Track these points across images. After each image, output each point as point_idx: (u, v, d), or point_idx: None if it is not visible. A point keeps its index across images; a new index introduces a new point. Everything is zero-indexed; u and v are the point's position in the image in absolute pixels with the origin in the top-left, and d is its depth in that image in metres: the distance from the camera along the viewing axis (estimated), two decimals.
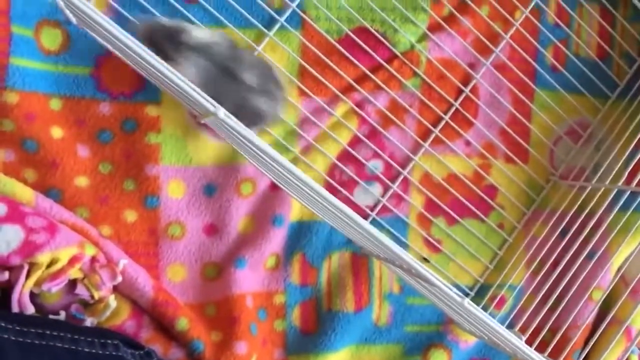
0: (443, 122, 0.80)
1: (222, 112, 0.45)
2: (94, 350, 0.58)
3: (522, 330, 0.79)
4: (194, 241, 0.74)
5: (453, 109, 0.80)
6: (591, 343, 0.74)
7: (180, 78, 0.44)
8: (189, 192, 0.73)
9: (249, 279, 0.74)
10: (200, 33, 0.63)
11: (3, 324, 0.54)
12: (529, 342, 0.63)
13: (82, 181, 0.70)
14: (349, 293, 0.77)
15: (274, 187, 0.75)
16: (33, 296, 0.63)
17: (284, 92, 0.70)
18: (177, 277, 0.74)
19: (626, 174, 0.77)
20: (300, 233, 0.77)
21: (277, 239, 0.75)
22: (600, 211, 0.75)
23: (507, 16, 0.81)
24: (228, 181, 0.74)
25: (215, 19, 0.73)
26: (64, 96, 0.69)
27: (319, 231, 0.77)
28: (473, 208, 0.82)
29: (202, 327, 0.71)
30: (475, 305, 0.51)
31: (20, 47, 0.66)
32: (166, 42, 0.62)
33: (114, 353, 0.59)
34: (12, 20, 0.66)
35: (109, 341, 0.60)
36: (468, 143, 0.82)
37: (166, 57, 0.61)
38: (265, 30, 0.75)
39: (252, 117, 0.66)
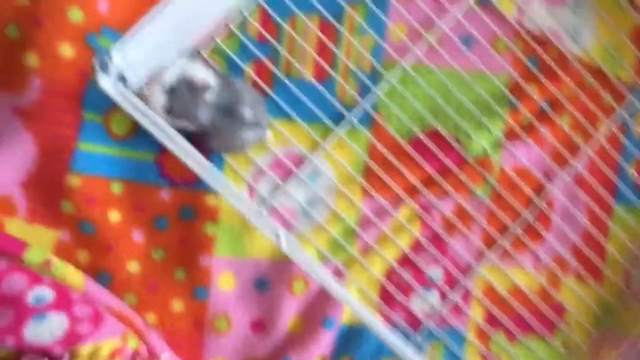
0: (511, 233, 0.76)
1: (284, 244, 0.42)
2: None
3: None
4: (239, 336, 0.71)
5: (522, 220, 0.76)
6: None
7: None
8: (239, 286, 0.71)
9: None
10: (200, 74, 0.64)
11: None
12: None
13: (133, 266, 0.69)
14: None
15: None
16: None
17: (266, 117, 0.70)
18: None
19: None
20: (350, 338, 0.73)
21: (325, 341, 0.72)
22: None
23: (590, 128, 0.76)
24: (281, 277, 0.71)
25: (282, 111, 0.72)
26: (126, 180, 0.69)
27: (369, 337, 0.73)
28: (536, 325, 0.76)
29: None
30: None
31: (89, 132, 0.66)
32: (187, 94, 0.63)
33: None
34: (84, 106, 0.66)
35: None
36: (537, 257, 0.77)
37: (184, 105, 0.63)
38: (334, 127, 0.73)
39: (239, 146, 0.68)
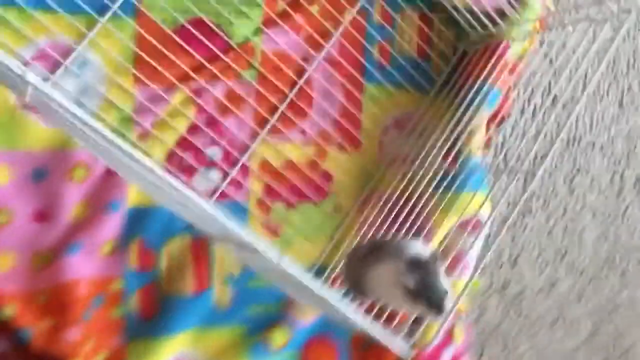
0: (279, 112, 0.85)
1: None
2: None
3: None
4: (23, 228, 0.72)
5: (288, 100, 0.85)
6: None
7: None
8: (15, 178, 0.71)
9: (83, 266, 0.73)
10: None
11: None
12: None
13: None
14: (188, 276, 0.79)
15: (109, 172, 0.75)
16: None
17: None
18: (5, 265, 0.71)
19: (447, 158, 0.86)
20: (138, 218, 0.77)
21: (113, 224, 0.75)
22: (420, 192, 0.83)
23: (337, 15, 0.87)
24: (59, 166, 0.73)
25: (43, 2, 0.72)
26: None
27: (158, 216, 0.78)
28: (309, 193, 0.86)
29: (31, 315, 0.69)
30: (290, 264, 0.55)
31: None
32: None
33: None
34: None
35: None
36: (304, 132, 0.87)
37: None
38: (98, 17, 0.75)
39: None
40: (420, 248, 0.69)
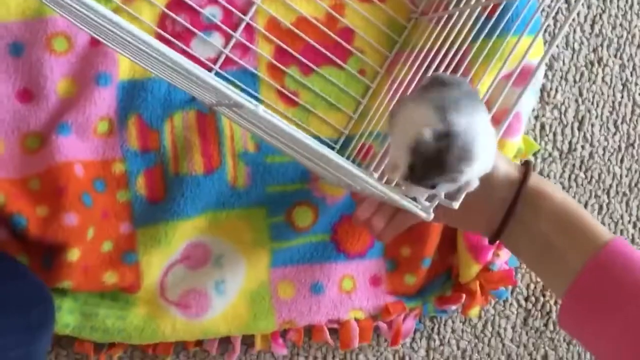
0: None
1: None
2: None
3: None
4: (7, 110, 0.66)
5: None
6: None
7: None
8: None
9: (76, 147, 0.67)
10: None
11: None
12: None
13: None
14: (196, 154, 0.71)
15: (95, 41, 0.67)
16: None
17: None
18: None
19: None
20: (134, 92, 0.69)
21: (104, 100, 0.68)
22: (462, 38, 0.69)
23: None
24: (36, 37, 0.65)
25: None
26: None
27: (155, 89, 0.70)
28: (329, 54, 0.75)
29: (25, 201, 0.64)
30: (270, 113, 0.45)
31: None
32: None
33: None
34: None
35: None
36: None
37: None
38: None
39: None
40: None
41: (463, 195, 0.54)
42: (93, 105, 0.67)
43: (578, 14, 0.83)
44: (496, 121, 0.72)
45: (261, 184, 0.74)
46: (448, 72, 0.71)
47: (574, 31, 0.83)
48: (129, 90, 0.69)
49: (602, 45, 0.84)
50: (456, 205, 0.53)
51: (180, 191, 0.70)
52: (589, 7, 0.83)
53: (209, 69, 0.71)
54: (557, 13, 0.83)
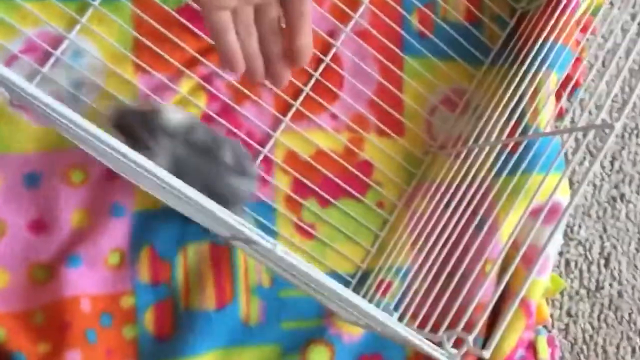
0: (304, 94, 0.74)
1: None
2: None
3: (414, 315, 0.71)
4: (17, 240, 0.64)
5: (314, 80, 0.74)
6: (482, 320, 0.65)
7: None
8: (6, 184, 0.64)
9: (86, 279, 0.65)
10: (176, 116, 0.60)
11: None
12: (422, 327, 0.56)
13: None
14: (208, 288, 0.68)
15: (110, 172, 0.67)
16: None
17: (255, 169, 0.68)
18: None
19: (504, 135, 0.71)
20: (147, 223, 0.68)
21: (118, 231, 0.66)
22: (484, 174, 0.68)
23: None
24: (54, 169, 0.65)
25: None
26: None
27: (170, 220, 0.68)
28: (347, 187, 0.74)
29: (26, 337, 0.61)
30: (287, 251, 0.43)
31: None
32: (141, 128, 0.59)
33: None
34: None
35: None
36: (334, 116, 0.75)
37: (139, 144, 0.58)
38: (92, 0, 0.68)
39: (230, 197, 0.64)
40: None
41: (495, 342, 0.50)
42: (106, 237, 0.66)
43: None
44: (527, 261, 0.70)
45: (275, 320, 0.71)
46: (470, 208, 0.69)
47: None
48: (142, 220, 0.68)
49: (623, 181, 0.83)
50: (487, 354, 0.49)
51: (190, 327, 0.67)
52: None
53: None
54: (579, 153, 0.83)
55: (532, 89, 0.71)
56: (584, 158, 0.82)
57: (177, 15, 0.70)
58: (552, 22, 0.74)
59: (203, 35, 0.70)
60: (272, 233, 0.72)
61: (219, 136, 0.65)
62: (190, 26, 0.70)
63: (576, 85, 0.79)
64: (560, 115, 0.79)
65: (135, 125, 0.59)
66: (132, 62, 0.68)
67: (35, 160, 0.65)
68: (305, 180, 0.73)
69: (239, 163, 0.64)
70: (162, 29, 0.69)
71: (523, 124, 0.71)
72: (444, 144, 0.77)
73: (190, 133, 0.61)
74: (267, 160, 0.72)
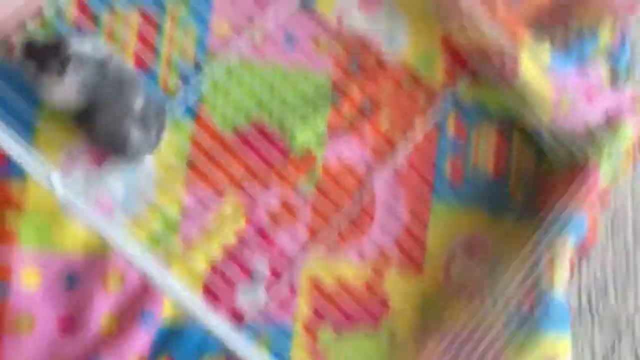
0: (335, 226, 0.77)
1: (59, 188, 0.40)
2: None
3: None
4: (44, 338, 0.66)
5: (347, 213, 0.78)
6: None
7: None
8: (45, 283, 0.66)
9: None
10: (87, 46, 0.62)
11: None
12: None
13: None
14: None
15: (144, 281, 0.69)
16: None
17: (163, 125, 0.68)
18: None
19: (526, 293, 0.75)
20: (170, 334, 0.70)
21: (142, 340, 0.68)
22: (493, 328, 0.72)
23: (406, 126, 0.81)
24: (94, 273, 0.67)
25: None
26: None
27: (191, 333, 0.70)
28: (362, 318, 0.77)
29: None
30: None
31: None
32: (51, 57, 0.61)
33: None
34: None
35: None
36: (362, 249, 0.78)
37: (49, 71, 0.60)
38: None
39: (128, 147, 0.65)
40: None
41: None
42: (131, 344, 0.67)
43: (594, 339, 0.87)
44: None
45: None
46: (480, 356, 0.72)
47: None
48: (166, 331, 0.70)
49: None
50: None
51: None
52: None
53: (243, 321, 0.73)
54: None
55: (549, 250, 0.76)
56: None
57: (232, 138, 0.73)
58: (573, 187, 0.79)
59: (251, 160, 0.74)
60: (286, 355, 0.74)
61: (136, 78, 0.65)
62: (242, 149, 0.73)
63: (586, 250, 0.83)
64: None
65: (46, 54, 0.60)
66: (183, 178, 0.72)
67: (77, 263, 0.67)
68: (325, 309, 0.76)
69: (146, 115, 0.65)
70: (215, 150, 0.72)
71: (538, 282, 0.75)
72: (459, 289, 0.81)
73: (104, 65, 0.62)
74: (291, 284, 0.75)
